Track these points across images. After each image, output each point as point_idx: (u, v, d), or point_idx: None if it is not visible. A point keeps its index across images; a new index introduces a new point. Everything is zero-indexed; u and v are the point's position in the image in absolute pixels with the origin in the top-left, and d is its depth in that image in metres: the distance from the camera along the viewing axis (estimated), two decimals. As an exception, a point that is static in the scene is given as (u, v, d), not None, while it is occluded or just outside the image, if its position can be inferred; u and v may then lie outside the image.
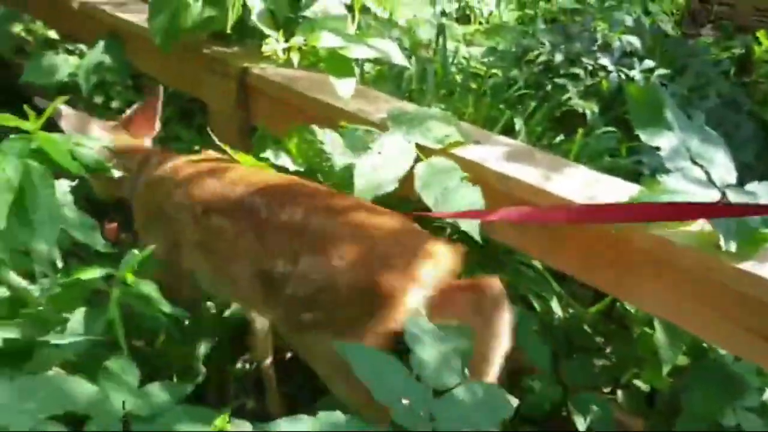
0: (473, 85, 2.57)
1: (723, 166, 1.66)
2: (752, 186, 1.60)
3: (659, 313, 1.70)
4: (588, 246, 1.63)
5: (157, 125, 2.06)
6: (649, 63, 2.68)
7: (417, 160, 1.74)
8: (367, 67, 2.64)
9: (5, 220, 1.22)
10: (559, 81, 2.61)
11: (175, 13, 2.25)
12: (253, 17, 2.19)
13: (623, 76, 2.63)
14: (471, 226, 1.66)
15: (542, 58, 2.68)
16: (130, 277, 1.47)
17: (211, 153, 1.90)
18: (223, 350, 2.11)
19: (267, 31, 2.20)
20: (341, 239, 1.49)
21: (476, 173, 1.74)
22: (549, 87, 2.62)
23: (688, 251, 1.46)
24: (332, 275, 1.47)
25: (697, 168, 1.65)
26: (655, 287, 1.55)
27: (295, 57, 1.71)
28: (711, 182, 1.61)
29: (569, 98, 2.55)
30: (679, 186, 1.52)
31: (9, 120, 1.27)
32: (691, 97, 2.72)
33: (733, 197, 1.53)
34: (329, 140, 1.82)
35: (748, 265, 1.39)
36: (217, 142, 1.84)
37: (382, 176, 1.68)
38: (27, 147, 1.28)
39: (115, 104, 3.11)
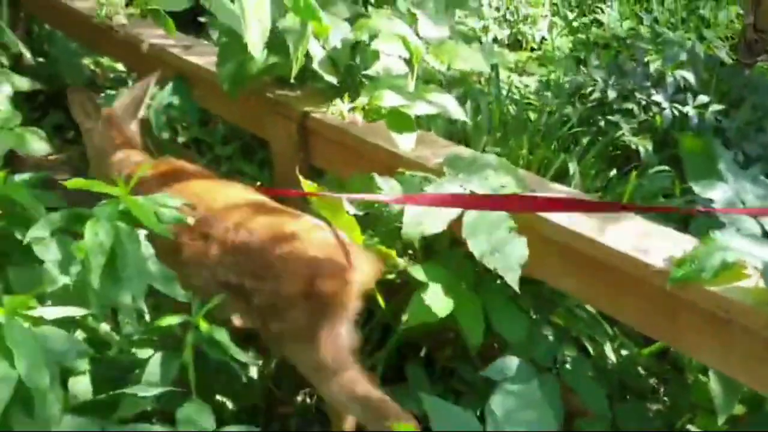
0: (528, 121, 2.62)
1: (778, 218, 1.69)
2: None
3: (716, 367, 1.72)
4: (647, 298, 1.66)
5: (141, 112, 2.45)
6: (703, 98, 2.69)
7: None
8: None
9: (99, 279, 1.34)
10: (613, 118, 2.64)
11: (242, 61, 2.37)
12: (315, 65, 2.29)
13: (677, 113, 2.64)
14: (511, 277, 1.71)
15: (595, 95, 2.72)
16: (203, 324, 1.58)
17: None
18: (285, 383, 2.22)
19: (327, 77, 2.31)
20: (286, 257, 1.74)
21: (530, 224, 1.80)
22: (602, 123, 2.65)
23: (747, 308, 1.48)
24: (282, 289, 1.73)
25: (752, 220, 1.68)
26: (712, 344, 1.57)
27: (359, 116, 1.80)
28: (765, 234, 1.64)
29: (623, 135, 2.58)
30: (733, 243, 1.55)
31: (99, 186, 1.39)
32: (747, 130, 2.72)
33: (788, 252, 1.55)
34: (387, 187, 1.90)
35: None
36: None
37: (429, 220, 1.75)
38: (116, 210, 1.39)
39: (181, 139, 3.26)
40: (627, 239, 1.70)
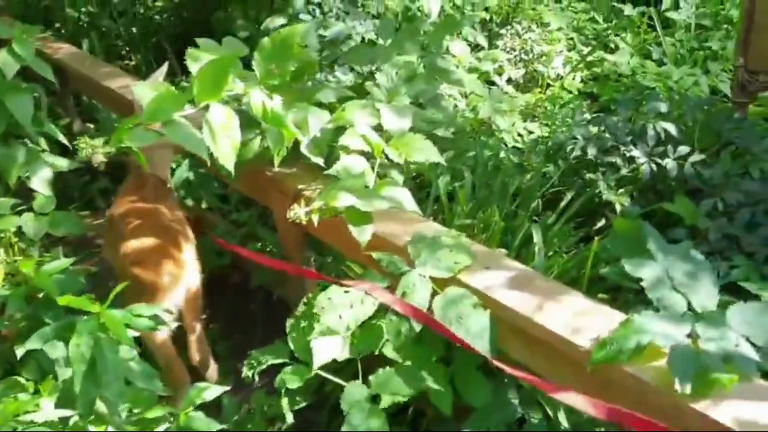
0: (508, 183, 2.77)
1: (705, 293, 1.80)
2: (731, 310, 1.73)
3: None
4: (582, 373, 1.79)
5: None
6: (683, 149, 2.77)
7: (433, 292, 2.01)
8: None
9: (80, 385, 1.59)
10: (593, 175, 2.76)
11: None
12: (302, 149, 2.53)
13: (654, 167, 2.74)
14: (481, 345, 1.89)
15: (576, 153, 2.84)
16: (184, 418, 1.82)
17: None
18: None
19: (314, 159, 2.54)
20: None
21: (483, 301, 1.97)
22: (581, 180, 2.78)
23: (659, 389, 1.61)
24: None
25: (678, 296, 1.80)
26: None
27: (315, 217, 2.02)
28: (690, 310, 1.75)
29: (599, 192, 2.69)
30: (651, 325, 1.67)
31: (80, 303, 1.65)
32: (729, 177, 2.78)
33: (703, 331, 1.67)
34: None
35: (702, 406, 1.53)
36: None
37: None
38: (96, 324, 1.65)
39: (203, 205, 3.56)
40: (562, 317, 1.85)
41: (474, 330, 1.93)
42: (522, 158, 3.26)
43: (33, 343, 1.80)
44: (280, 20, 4.17)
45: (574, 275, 2.38)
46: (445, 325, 1.93)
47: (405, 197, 2.09)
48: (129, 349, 1.75)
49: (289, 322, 2.22)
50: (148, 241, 2.59)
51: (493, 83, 4.71)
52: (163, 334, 2.51)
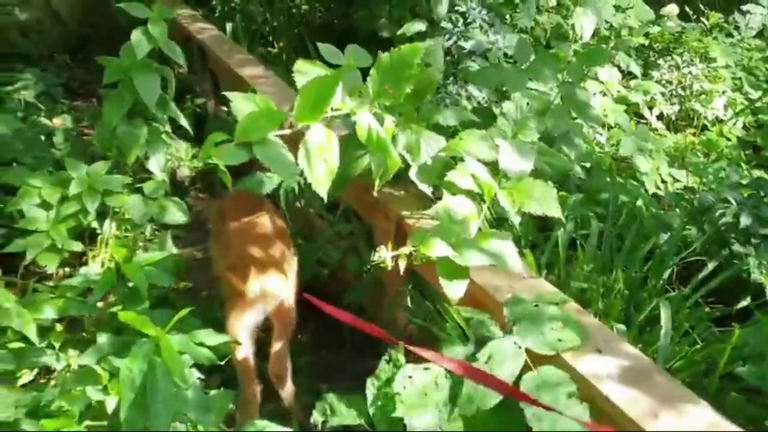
0: (641, 242, 2.43)
1: None
2: None
3: None
4: None
5: None
6: None
7: (526, 365, 1.74)
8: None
9: (126, 413, 1.48)
10: (742, 248, 2.37)
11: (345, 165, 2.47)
12: (411, 174, 2.32)
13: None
14: None
15: (726, 220, 2.45)
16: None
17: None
18: None
19: (421, 186, 2.33)
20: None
21: (586, 390, 1.69)
22: (728, 252, 2.39)
23: None
24: None
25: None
26: None
27: (402, 263, 1.80)
28: None
29: (748, 269, 2.30)
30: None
31: (139, 323, 1.53)
32: None
33: None
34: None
35: None
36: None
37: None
38: (152, 349, 1.53)
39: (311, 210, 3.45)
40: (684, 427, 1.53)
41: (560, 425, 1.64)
42: (661, 211, 2.89)
43: (86, 359, 1.71)
44: (420, 26, 3.97)
45: (703, 368, 2.03)
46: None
47: (510, 253, 1.83)
48: (189, 372, 1.61)
49: (370, 380, 2.02)
50: (247, 249, 2.50)
51: (641, 117, 4.30)
52: (245, 351, 2.40)
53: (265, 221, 2.63)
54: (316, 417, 2.02)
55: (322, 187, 1.81)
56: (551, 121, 2.50)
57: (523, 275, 1.94)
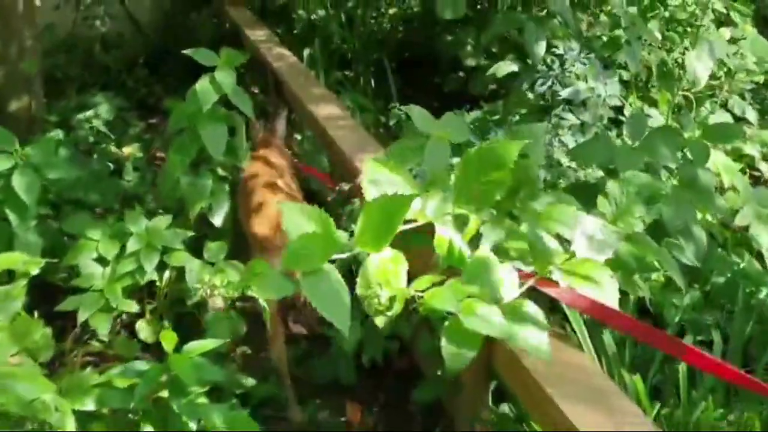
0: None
1: None
2: None
3: None
4: None
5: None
6: None
7: None
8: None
9: None
10: None
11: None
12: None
13: None
14: None
15: None
16: None
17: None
18: None
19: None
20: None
21: None
22: None
23: None
24: None
25: None
26: None
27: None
28: None
29: None
30: None
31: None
32: None
33: None
34: None
35: None
36: None
37: None
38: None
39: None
40: None
41: None
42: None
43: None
44: (512, 67, 3.63)
45: None
46: None
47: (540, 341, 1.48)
48: None
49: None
50: (269, 200, 2.71)
51: (756, 172, 3.82)
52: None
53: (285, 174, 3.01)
54: None
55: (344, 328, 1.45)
56: (668, 209, 2.14)
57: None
